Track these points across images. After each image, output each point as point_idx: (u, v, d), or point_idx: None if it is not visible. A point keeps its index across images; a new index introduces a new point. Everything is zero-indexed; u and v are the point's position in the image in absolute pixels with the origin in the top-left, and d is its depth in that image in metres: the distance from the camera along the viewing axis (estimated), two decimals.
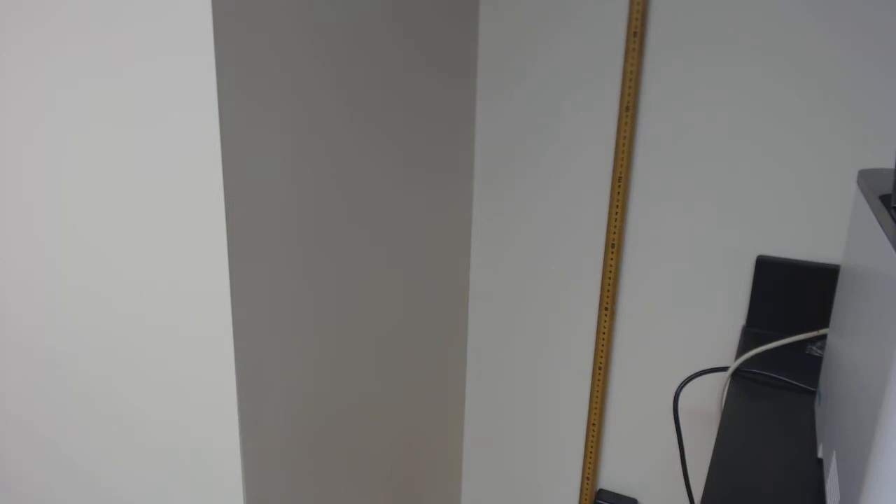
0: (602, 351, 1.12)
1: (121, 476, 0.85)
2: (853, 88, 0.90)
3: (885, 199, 0.55)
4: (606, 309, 1.10)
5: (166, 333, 0.75)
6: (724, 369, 0.89)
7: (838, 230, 0.95)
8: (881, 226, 0.52)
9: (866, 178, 0.63)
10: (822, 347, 0.92)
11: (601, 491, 1.19)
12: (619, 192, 1.04)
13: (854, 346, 0.57)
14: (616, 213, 1.05)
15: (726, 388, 0.85)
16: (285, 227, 0.75)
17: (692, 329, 1.06)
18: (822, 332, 0.92)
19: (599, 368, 1.13)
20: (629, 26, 0.98)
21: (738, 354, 0.90)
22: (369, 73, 0.84)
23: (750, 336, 0.98)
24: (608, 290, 1.09)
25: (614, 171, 1.04)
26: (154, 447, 0.81)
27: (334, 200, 0.82)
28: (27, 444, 0.91)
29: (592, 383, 1.14)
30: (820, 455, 0.67)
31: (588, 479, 1.19)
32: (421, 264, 1.04)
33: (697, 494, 1.11)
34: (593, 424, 1.16)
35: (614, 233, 1.06)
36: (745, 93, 0.95)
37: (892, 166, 0.90)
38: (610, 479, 1.19)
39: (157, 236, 0.71)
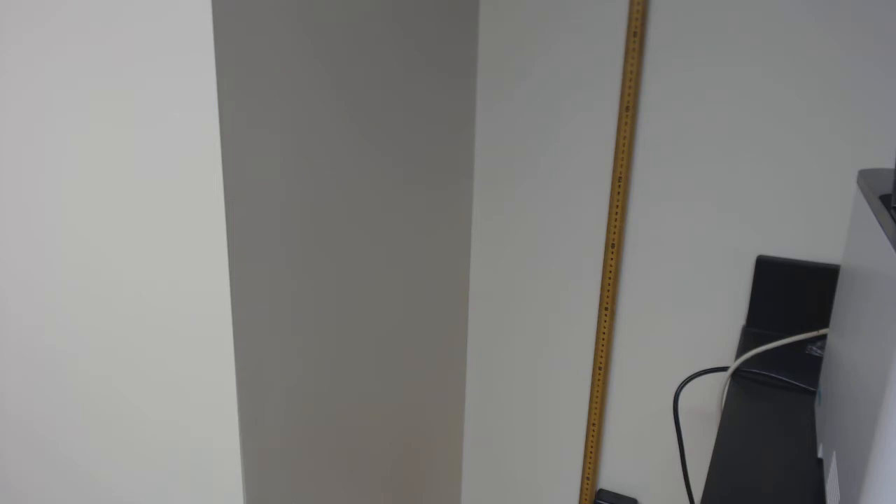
0: (602, 351, 1.12)
1: (121, 476, 0.85)
2: (853, 88, 0.90)
3: (885, 199, 0.55)
4: (606, 309, 1.10)
5: (166, 333, 0.75)
6: (724, 369, 0.89)
7: (838, 230, 0.95)
8: (881, 226, 0.52)
9: (866, 178, 0.63)
10: (822, 347, 0.92)
11: (601, 491, 1.19)
12: (619, 192, 1.04)
13: (854, 346, 0.57)
14: (616, 213, 1.05)
15: (726, 388, 0.85)
16: (285, 227, 0.75)
17: (692, 329, 1.06)
18: (822, 332, 0.92)
19: (599, 368, 1.13)
20: (629, 26, 0.98)
21: (738, 354, 0.90)
22: (369, 73, 0.84)
23: (750, 336, 0.98)
24: (608, 290, 1.09)
25: (614, 171, 1.04)
26: (154, 447, 0.81)
27: (334, 200, 0.82)
28: (27, 444, 0.91)
29: (592, 383, 1.14)
30: (820, 455, 0.67)
31: (588, 479, 1.19)
32: (421, 264, 1.04)
33: (697, 494, 1.11)
34: (593, 424, 1.16)
35: (614, 233, 1.06)
36: (745, 93, 0.95)
37: (892, 166, 0.90)
38: (610, 479, 1.19)
39: (157, 236, 0.71)
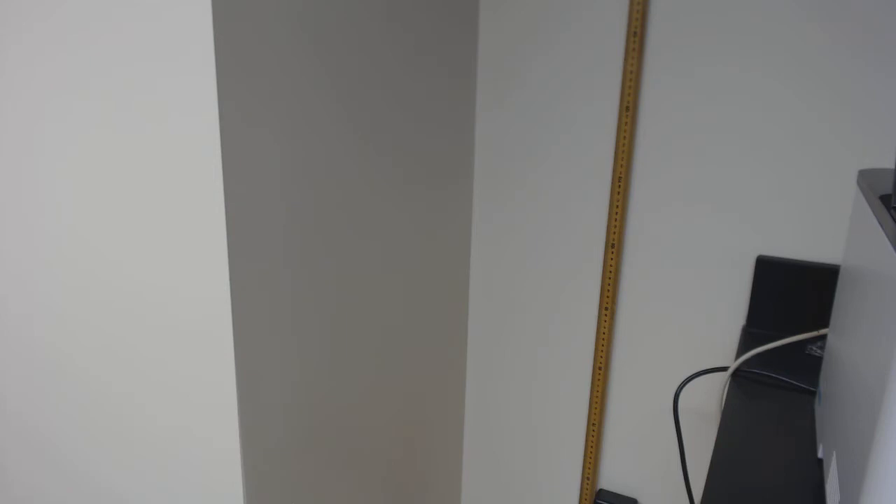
0: (602, 351, 1.12)
1: (121, 476, 0.85)
2: (853, 89, 0.90)
3: (885, 199, 0.55)
4: (606, 309, 1.10)
5: (166, 333, 0.75)
6: (724, 369, 0.89)
7: (838, 230, 0.95)
8: (881, 226, 0.52)
9: (866, 178, 0.63)
10: (822, 347, 0.92)
11: (601, 491, 1.19)
12: (619, 192, 1.04)
13: (854, 346, 0.57)
14: (616, 213, 1.05)
15: (726, 388, 0.85)
16: (285, 227, 0.75)
17: (692, 329, 1.06)
18: (822, 332, 0.92)
19: (599, 368, 1.13)
20: (629, 26, 0.98)
21: (738, 354, 0.90)
22: (369, 73, 0.84)
23: (750, 336, 0.98)
24: (608, 290, 1.09)
25: (614, 171, 1.04)
26: (154, 447, 0.81)
27: (334, 200, 0.82)
28: (27, 444, 0.91)
29: (592, 383, 1.14)
30: (820, 455, 0.67)
31: (588, 479, 1.19)
32: (421, 264, 1.04)
33: (697, 494, 1.11)
34: (593, 424, 1.16)
35: (614, 233, 1.06)
36: (744, 93, 0.95)
37: (892, 166, 0.90)
38: (610, 479, 1.19)
39: (157, 236, 0.71)
